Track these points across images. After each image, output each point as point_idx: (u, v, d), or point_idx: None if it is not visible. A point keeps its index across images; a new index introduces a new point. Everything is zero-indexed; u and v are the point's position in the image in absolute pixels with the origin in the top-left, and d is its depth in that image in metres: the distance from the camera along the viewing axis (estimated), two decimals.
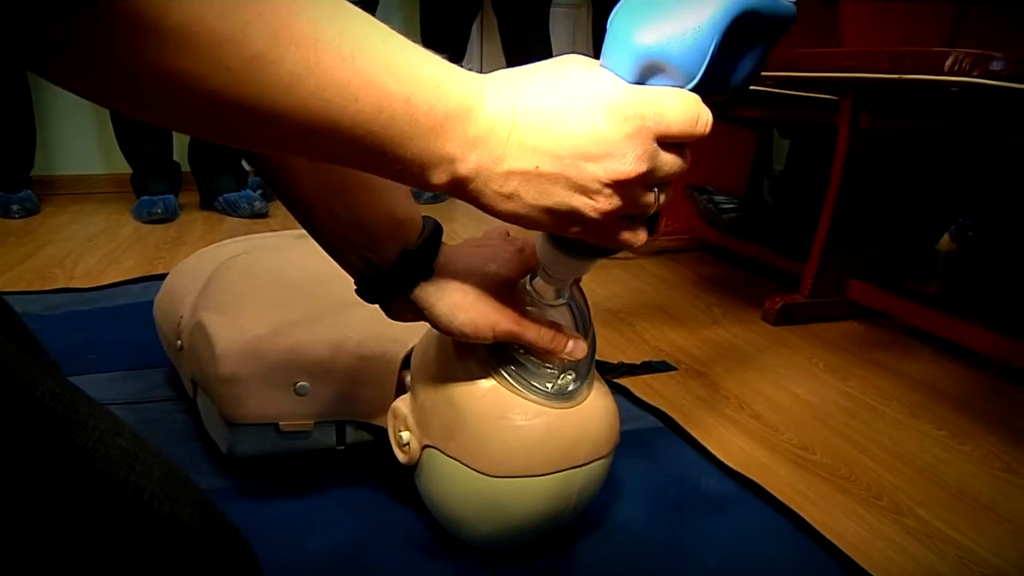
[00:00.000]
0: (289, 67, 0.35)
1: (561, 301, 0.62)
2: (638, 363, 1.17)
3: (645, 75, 0.45)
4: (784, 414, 1.04)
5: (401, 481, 0.73)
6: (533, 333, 0.60)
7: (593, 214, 0.45)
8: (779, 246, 1.68)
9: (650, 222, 0.50)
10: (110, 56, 0.32)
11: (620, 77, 0.44)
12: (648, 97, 0.43)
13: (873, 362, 1.24)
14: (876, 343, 1.35)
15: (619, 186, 0.44)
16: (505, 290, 0.59)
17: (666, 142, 0.44)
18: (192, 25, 0.32)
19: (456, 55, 2.76)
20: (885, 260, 1.49)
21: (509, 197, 0.44)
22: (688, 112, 0.44)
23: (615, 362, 1.16)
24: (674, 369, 1.17)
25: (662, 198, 0.47)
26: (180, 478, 0.48)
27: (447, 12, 2.68)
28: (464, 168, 0.42)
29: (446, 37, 2.71)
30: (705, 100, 0.45)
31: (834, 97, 1.41)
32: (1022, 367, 1.15)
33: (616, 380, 1.09)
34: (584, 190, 0.44)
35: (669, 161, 0.45)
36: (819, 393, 1.11)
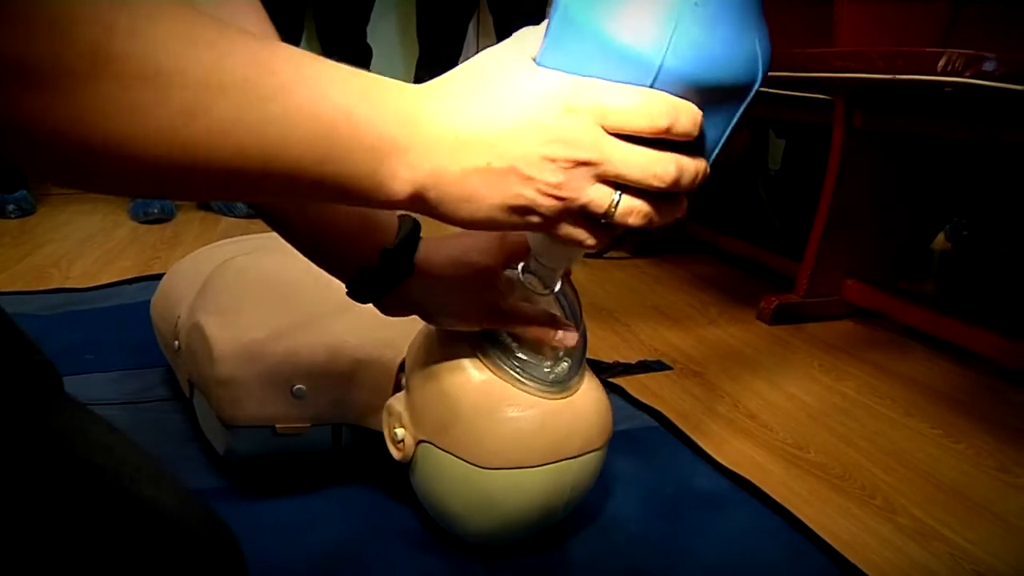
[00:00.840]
0: (220, 114, 0.34)
1: (549, 291, 0.63)
2: (633, 362, 1.17)
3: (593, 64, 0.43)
4: (779, 413, 1.04)
5: (396, 479, 0.73)
6: (521, 321, 0.60)
7: (545, 202, 0.44)
8: (774, 245, 1.69)
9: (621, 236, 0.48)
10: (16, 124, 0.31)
11: (559, 67, 0.43)
12: (583, 83, 0.42)
13: (868, 361, 1.25)
14: (871, 342, 1.36)
15: (566, 171, 0.42)
16: (489, 279, 0.59)
17: (620, 135, 0.42)
18: (116, 90, 0.31)
19: (452, 55, 2.76)
20: (880, 260, 1.49)
21: (468, 199, 0.43)
22: (629, 98, 0.41)
23: (610, 361, 1.17)
24: (669, 368, 1.17)
25: (623, 203, 0.44)
26: (159, 467, 0.49)
27: (443, 12, 2.68)
28: (421, 174, 0.42)
29: (442, 37, 2.71)
30: None
31: (828, 97, 1.41)
32: (1017, 366, 1.16)
33: (611, 379, 1.09)
34: (532, 180, 0.43)
35: (623, 155, 0.42)
36: (814, 392, 1.12)
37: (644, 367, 1.16)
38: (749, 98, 0.45)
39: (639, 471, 0.85)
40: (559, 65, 0.44)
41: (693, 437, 0.94)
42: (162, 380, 1.02)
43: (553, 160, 0.42)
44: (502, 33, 2.73)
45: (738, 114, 0.45)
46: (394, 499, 0.76)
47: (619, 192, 0.44)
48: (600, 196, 0.44)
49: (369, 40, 2.74)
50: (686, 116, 0.42)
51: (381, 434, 0.69)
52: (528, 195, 0.43)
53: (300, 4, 2.58)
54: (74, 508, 0.42)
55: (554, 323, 0.62)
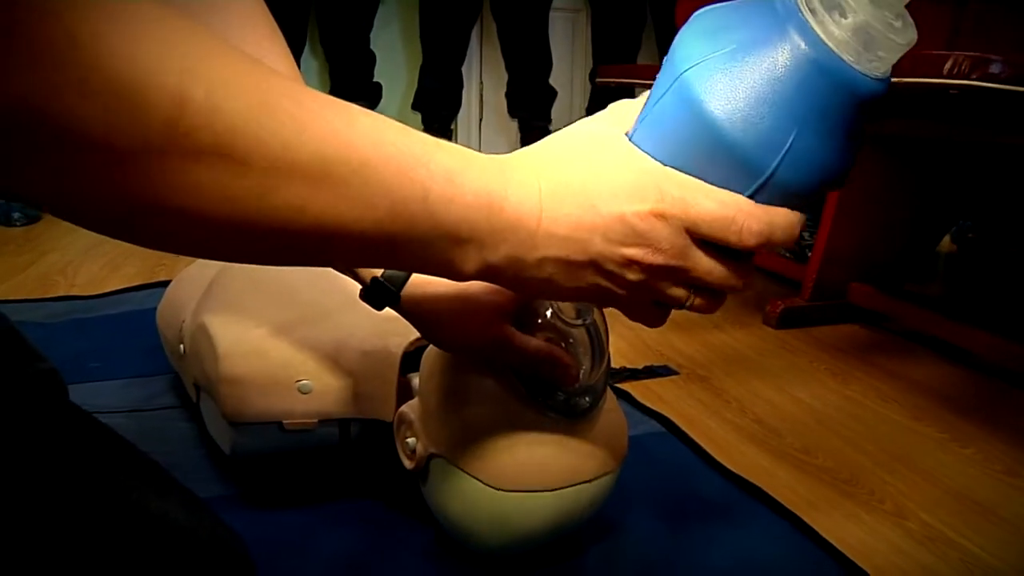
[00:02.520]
0: (296, 189, 0.33)
1: (581, 322, 0.62)
2: (640, 367, 1.17)
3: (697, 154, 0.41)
4: (786, 418, 1.04)
5: (406, 487, 0.73)
6: (518, 357, 0.59)
7: (621, 295, 0.44)
8: (780, 249, 1.68)
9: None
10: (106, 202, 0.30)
11: (655, 147, 0.42)
12: (676, 182, 0.41)
13: (875, 365, 1.24)
14: (877, 346, 1.35)
15: (647, 273, 0.42)
16: (491, 314, 0.57)
17: (708, 245, 0.42)
18: (191, 164, 0.30)
19: (455, 60, 2.77)
20: (886, 263, 1.49)
21: (545, 282, 0.43)
22: (722, 211, 0.41)
23: (617, 367, 1.16)
24: (676, 373, 1.17)
25: (697, 301, 0.45)
26: (168, 479, 0.49)
27: (446, 17, 2.68)
28: (494, 258, 0.41)
29: (445, 42, 2.72)
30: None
31: None
32: None
33: (618, 385, 1.09)
34: (612, 276, 0.42)
35: (707, 266, 0.42)
36: (821, 397, 1.11)
37: (650, 372, 1.16)
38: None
39: (646, 477, 0.85)
40: (656, 145, 0.42)
41: (700, 442, 0.93)
42: (168, 387, 1.02)
43: (635, 262, 0.42)
44: (505, 39, 2.73)
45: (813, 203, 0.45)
46: (404, 509, 0.76)
47: (694, 290, 0.44)
48: (676, 294, 0.44)
49: (372, 46, 2.75)
50: (782, 232, 0.42)
51: (389, 428, 0.69)
52: (604, 286, 0.43)
53: (303, 10, 2.59)
54: (83, 522, 0.42)
55: (556, 362, 0.60)
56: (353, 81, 2.70)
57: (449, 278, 0.42)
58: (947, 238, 2.07)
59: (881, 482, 0.88)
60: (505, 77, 2.85)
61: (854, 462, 0.92)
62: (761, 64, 0.39)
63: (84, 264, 1.66)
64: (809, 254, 1.51)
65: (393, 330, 0.73)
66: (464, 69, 2.84)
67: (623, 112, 0.45)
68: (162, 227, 0.32)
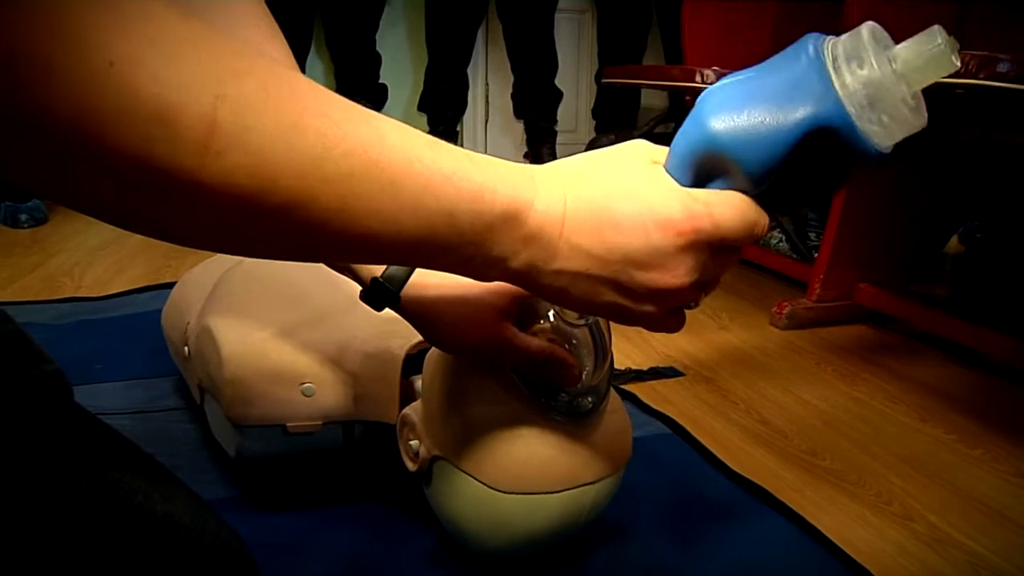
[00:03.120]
0: (325, 205, 0.34)
1: (583, 322, 0.62)
2: (645, 369, 1.17)
3: (706, 171, 0.44)
4: (793, 419, 1.03)
5: (409, 490, 0.73)
6: (519, 357, 0.58)
7: (639, 313, 0.45)
8: (787, 251, 1.68)
9: None
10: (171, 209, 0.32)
11: (679, 175, 0.44)
12: (706, 207, 0.43)
13: (882, 366, 1.24)
14: (885, 347, 1.34)
15: (667, 294, 0.44)
16: (490, 315, 0.57)
17: (720, 248, 0.44)
18: (222, 183, 0.31)
19: (461, 62, 2.77)
20: (893, 263, 1.48)
21: (559, 291, 0.44)
22: (746, 219, 0.43)
23: (622, 368, 1.16)
24: (681, 375, 1.17)
25: (709, 290, 0.47)
26: (173, 481, 0.49)
27: (452, 19, 2.68)
28: (515, 264, 0.42)
29: (451, 44, 2.72)
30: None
31: None
32: None
33: (623, 386, 1.09)
34: (632, 294, 0.43)
35: (721, 263, 0.45)
36: (828, 398, 1.11)
37: (656, 373, 1.16)
38: None
39: (652, 479, 0.85)
40: (674, 161, 0.45)
41: (706, 444, 0.93)
42: (173, 389, 1.02)
43: (654, 283, 0.43)
44: (510, 40, 2.73)
45: None
46: (407, 511, 0.76)
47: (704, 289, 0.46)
48: (693, 298, 0.46)
49: (378, 47, 2.75)
50: (764, 226, 0.45)
51: (392, 430, 0.69)
52: (621, 303, 0.44)
53: (309, 12, 2.59)
54: (87, 523, 0.42)
55: (558, 363, 0.59)
56: (359, 82, 2.70)
57: (467, 276, 0.43)
58: (955, 238, 2.06)
59: (888, 484, 0.88)
60: (511, 78, 2.85)
61: (861, 464, 0.92)
62: (771, 91, 0.41)
63: (90, 266, 1.66)
64: (816, 255, 1.50)
65: (396, 332, 0.72)
66: (470, 70, 2.84)
67: (649, 145, 0.47)
68: (194, 234, 0.34)
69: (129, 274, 1.60)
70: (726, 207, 0.43)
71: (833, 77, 0.40)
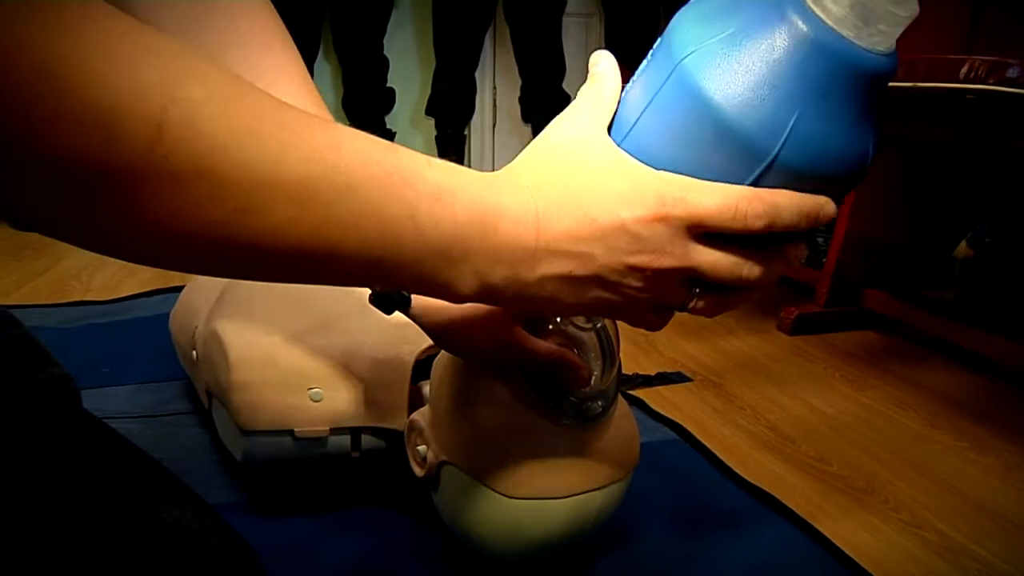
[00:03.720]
0: (280, 212, 0.32)
1: (591, 326, 0.62)
2: (653, 374, 1.16)
3: (702, 146, 0.40)
4: (800, 425, 1.03)
5: (417, 495, 0.73)
6: (528, 360, 0.58)
7: (625, 303, 0.43)
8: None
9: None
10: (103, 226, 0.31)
11: (658, 144, 0.41)
12: (672, 183, 0.40)
13: (890, 372, 1.23)
14: (893, 353, 1.34)
15: (651, 279, 0.41)
16: (500, 313, 0.56)
17: (712, 240, 0.41)
18: (169, 186, 0.30)
19: (469, 65, 2.77)
20: (901, 268, 1.48)
21: (549, 300, 0.42)
22: (723, 201, 0.40)
23: (629, 373, 1.16)
24: (689, 380, 1.16)
25: (700, 304, 0.44)
26: (182, 487, 0.49)
27: (460, 23, 2.69)
28: (493, 279, 0.40)
29: (459, 48, 2.72)
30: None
31: None
32: None
33: (631, 391, 1.08)
34: (618, 286, 0.42)
35: (711, 260, 0.41)
36: (836, 404, 1.10)
37: (663, 379, 1.15)
38: (849, 188, 0.43)
39: (659, 485, 0.84)
40: (659, 136, 0.42)
41: (713, 450, 0.93)
42: (181, 393, 1.02)
43: (639, 269, 0.41)
44: (518, 44, 2.73)
45: (835, 198, 0.43)
46: (414, 516, 0.76)
47: (698, 289, 0.43)
48: (679, 293, 0.43)
49: (386, 51, 2.75)
50: (789, 212, 0.41)
51: (400, 436, 0.69)
52: (607, 297, 0.42)
53: (317, 15, 2.59)
54: (95, 530, 0.42)
55: (568, 365, 0.59)
56: (366, 86, 2.71)
57: (447, 300, 0.41)
58: (963, 243, 2.05)
59: (897, 491, 0.87)
60: (519, 82, 2.85)
61: (869, 470, 0.92)
62: (759, 46, 0.39)
63: (99, 269, 1.67)
64: (824, 260, 1.50)
65: (404, 338, 0.72)
66: (477, 74, 2.84)
67: (595, 102, 0.44)
68: (145, 247, 0.33)
69: (138, 277, 1.60)
70: (702, 191, 0.40)
71: (816, 10, 0.38)
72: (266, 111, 0.32)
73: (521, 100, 2.88)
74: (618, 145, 0.43)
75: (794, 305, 1.43)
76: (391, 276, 0.38)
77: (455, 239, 0.38)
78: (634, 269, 0.41)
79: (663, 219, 0.40)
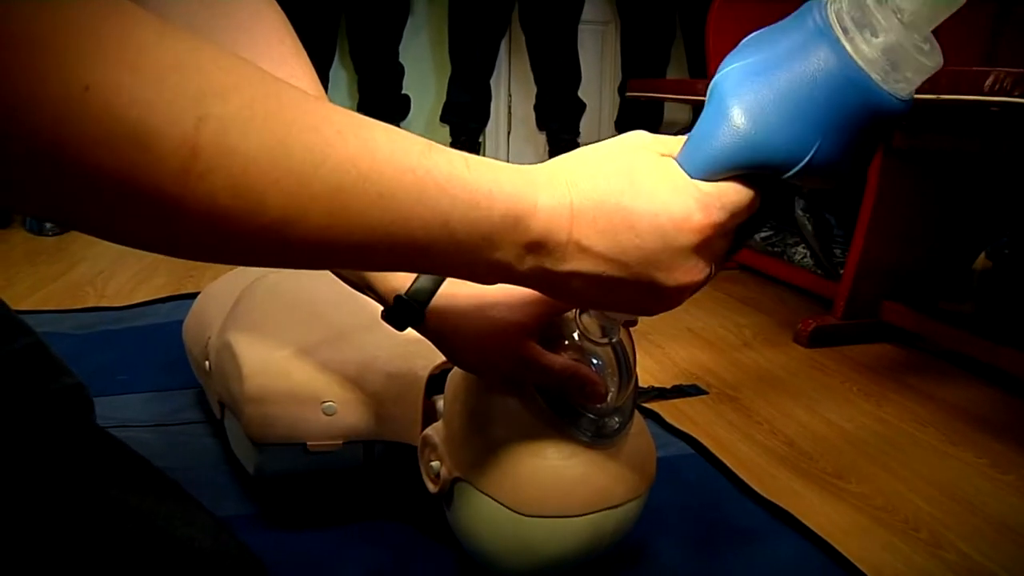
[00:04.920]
0: (315, 221, 0.33)
1: (607, 341, 0.61)
2: (668, 387, 1.15)
3: (736, 171, 0.44)
4: (818, 440, 1.02)
5: (430, 511, 0.72)
6: (543, 376, 0.57)
7: (650, 306, 0.45)
8: (812, 266, 1.66)
9: None
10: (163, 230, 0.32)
11: (701, 174, 0.44)
12: (718, 199, 0.43)
13: (909, 386, 1.22)
14: (911, 366, 1.32)
15: (690, 289, 0.44)
16: (514, 333, 0.56)
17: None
18: (206, 205, 0.30)
19: (484, 73, 2.77)
20: (920, 280, 1.46)
21: (572, 293, 0.43)
22: (748, 198, 0.44)
23: (645, 386, 1.15)
24: (705, 393, 1.15)
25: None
26: (194, 503, 0.48)
27: (475, 30, 2.69)
28: (520, 269, 0.41)
29: (474, 55, 2.72)
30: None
31: None
32: None
33: (646, 405, 1.07)
34: (649, 292, 0.43)
35: (723, 247, 0.45)
36: (854, 419, 1.09)
37: (679, 392, 1.14)
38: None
39: (674, 500, 0.83)
40: (693, 152, 0.44)
41: (730, 465, 0.91)
42: (194, 402, 1.02)
43: (672, 281, 0.43)
44: (533, 51, 2.73)
45: None
46: (427, 531, 0.75)
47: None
48: (702, 285, 0.45)
49: (401, 58, 2.76)
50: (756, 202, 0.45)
51: (413, 451, 0.68)
52: (633, 299, 0.44)
53: (333, 23, 2.60)
54: (107, 548, 0.41)
55: (583, 380, 0.58)
56: (382, 94, 2.71)
57: (473, 281, 0.43)
58: (983, 255, 2.03)
59: (916, 509, 0.86)
60: (534, 90, 2.84)
61: (889, 488, 0.90)
62: (791, 74, 0.41)
63: (114, 275, 1.67)
64: (841, 271, 1.48)
65: (418, 352, 0.72)
66: (492, 81, 2.84)
67: (654, 137, 0.46)
68: (181, 250, 0.33)
69: (152, 283, 1.61)
70: (732, 193, 0.43)
71: (849, 49, 0.40)
72: (298, 118, 0.32)
73: (536, 108, 2.88)
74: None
75: (811, 317, 1.41)
76: (421, 268, 0.40)
77: (487, 238, 0.39)
78: (665, 282, 0.43)
79: (706, 237, 0.42)
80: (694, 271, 0.42)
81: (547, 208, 0.40)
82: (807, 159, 0.41)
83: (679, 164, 0.44)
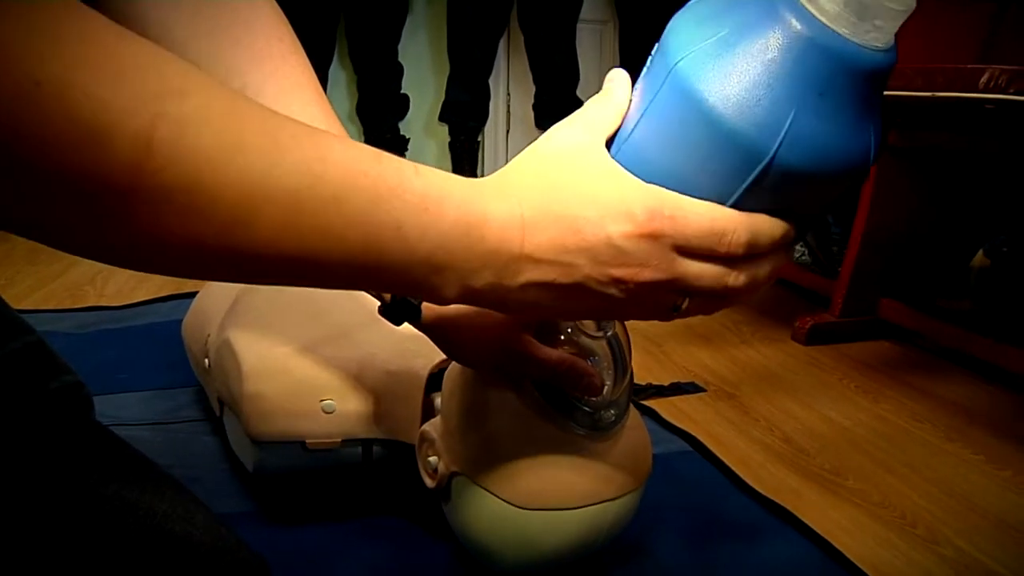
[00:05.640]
0: (268, 224, 0.33)
1: (602, 334, 0.61)
2: (666, 384, 1.16)
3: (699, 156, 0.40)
4: (815, 437, 1.02)
5: (428, 506, 0.72)
6: (539, 369, 0.58)
7: (610, 310, 0.44)
8: (810, 264, 1.66)
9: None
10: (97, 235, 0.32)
11: (656, 151, 0.41)
12: (662, 200, 0.41)
13: (906, 383, 1.22)
14: (909, 363, 1.33)
15: (635, 291, 0.42)
16: (509, 322, 0.56)
17: (693, 254, 0.41)
18: (159, 203, 0.30)
19: (483, 72, 2.77)
20: (917, 278, 1.47)
21: (530, 305, 0.43)
22: (711, 225, 0.40)
23: (643, 383, 1.15)
24: (703, 390, 1.16)
25: (687, 304, 0.44)
26: (192, 500, 0.48)
27: (474, 29, 2.69)
28: (476, 284, 0.40)
29: (473, 54, 2.72)
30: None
31: None
32: None
33: (644, 402, 1.08)
34: (602, 296, 0.42)
35: (696, 272, 0.42)
36: (851, 416, 1.09)
37: (677, 389, 1.15)
38: (853, 184, 0.42)
39: (672, 497, 0.84)
40: (656, 143, 0.42)
41: (727, 462, 0.92)
42: (193, 400, 1.02)
43: (623, 281, 0.41)
44: (532, 51, 2.73)
45: (836, 196, 0.43)
46: (425, 527, 0.75)
47: (686, 297, 0.43)
48: (666, 300, 0.43)
49: (400, 58, 2.76)
50: (766, 238, 0.42)
51: (412, 449, 0.68)
52: (592, 304, 0.43)
53: (332, 22, 2.60)
54: (106, 545, 0.42)
55: (579, 372, 0.58)
56: (381, 92, 2.71)
57: (431, 302, 0.42)
58: (980, 252, 2.04)
59: (913, 505, 0.86)
60: (532, 89, 2.85)
61: (885, 484, 0.90)
62: (753, 47, 0.38)
63: (113, 274, 1.67)
64: (839, 269, 1.49)
65: (418, 351, 0.72)
66: (491, 80, 2.84)
67: (598, 114, 0.45)
68: (134, 256, 0.33)
69: (151, 283, 1.61)
70: (691, 212, 0.40)
71: (810, 8, 0.38)
72: (253, 123, 0.33)
73: (535, 107, 2.88)
74: (614, 156, 0.43)
75: (809, 315, 1.42)
76: (376, 282, 0.39)
77: (441, 248, 0.38)
78: (618, 281, 0.41)
79: (650, 235, 0.40)
80: (638, 269, 0.41)
81: (498, 219, 0.40)
82: (783, 134, 0.38)
83: (631, 162, 0.42)
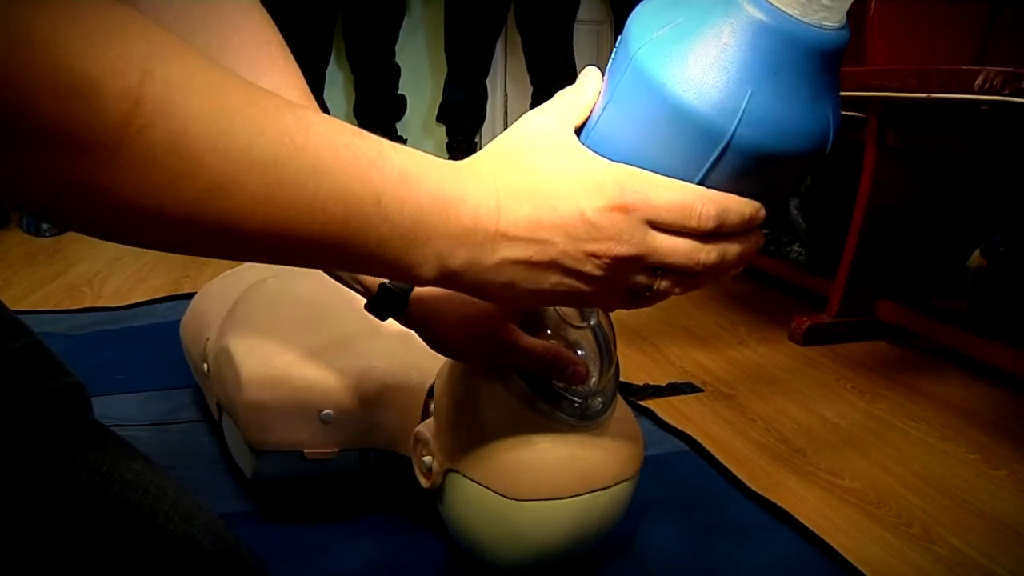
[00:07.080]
0: (250, 191, 0.33)
1: (586, 324, 0.62)
2: (663, 385, 1.16)
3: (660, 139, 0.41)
4: (812, 437, 1.02)
5: (423, 507, 0.73)
6: (525, 358, 0.58)
7: (586, 290, 0.44)
8: (806, 264, 1.67)
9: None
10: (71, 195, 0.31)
11: (621, 137, 0.42)
12: (633, 176, 0.42)
13: (902, 383, 1.22)
14: (905, 364, 1.33)
15: (611, 266, 0.43)
16: (495, 318, 0.57)
17: (664, 229, 0.42)
18: (143, 161, 0.30)
19: (480, 72, 2.77)
20: (914, 278, 1.47)
21: (506, 286, 0.43)
22: (682, 199, 0.42)
23: (640, 384, 1.15)
24: (700, 391, 1.16)
25: (663, 284, 0.45)
26: (193, 501, 0.49)
27: (471, 30, 2.69)
28: (453, 263, 0.41)
29: (470, 55, 2.73)
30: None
31: (860, 115, 1.39)
32: None
33: (641, 402, 1.08)
34: (578, 273, 0.43)
35: (669, 247, 0.43)
36: (847, 416, 1.09)
37: (674, 389, 1.15)
38: (813, 163, 0.43)
39: (669, 497, 0.84)
40: (621, 129, 0.43)
41: (724, 462, 0.92)
42: (191, 401, 1.02)
43: (598, 256, 0.42)
44: (529, 51, 2.74)
45: (798, 176, 0.44)
46: (421, 527, 0.76)
47: (660, 272, 0.44)
48: (640, 280, 0.44)
49: (397, 58, 2.76)
50: (735, 215, 0.43)
51: (408, 459, 0.69)
52: (569, 284, 0.44)
53: (329, 23, 2.60)
54: (107, 546, 0.42)
55: (565, 361, 0.59)
56: (378, 93, 2.71)
57: (410, 283, 0.43)
58: (977, 253, 2.04)
59: (909, 504, 0.86)
60: (530, 89, 2.85)
61: (881, 483, 0.91)
62: (707, 32, 0.40)
63: (111, 275, 1.67)
64: (836, 270, 1.49)
65: (416, 363, 0.72)
66: (489, 81, 2.84)
67: (569, 103, 0.46)
68: (116, 222, 0.33)
69: (149, 284, 1.61)
70: (662, 188, 0.42)
71: None
72: (239, 92, 0.33)
73: (532, 107, 2.87)
74: (583, 142, 0.44)
75: (805, 315, 1.42)
76: (356, 258, 0.39)
77: (419, 223, 0.39)
78: (592, 256, 0.42)
79: (622, 209, 0.41)
80: (611, 243, 0.41)
81: (474, 197, 0.41)
82: (740, 114, 0.39)
83: (598, 147, 0.43)
